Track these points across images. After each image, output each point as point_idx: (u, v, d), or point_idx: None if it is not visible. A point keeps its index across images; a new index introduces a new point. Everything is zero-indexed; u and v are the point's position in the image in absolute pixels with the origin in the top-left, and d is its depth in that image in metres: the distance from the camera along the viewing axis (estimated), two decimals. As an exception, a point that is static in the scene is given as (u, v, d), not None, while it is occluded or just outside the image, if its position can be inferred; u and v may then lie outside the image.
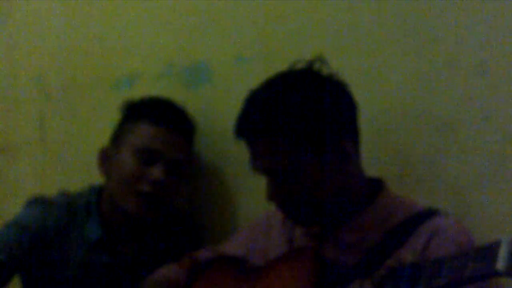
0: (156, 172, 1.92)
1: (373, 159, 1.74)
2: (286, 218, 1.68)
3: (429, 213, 1.56)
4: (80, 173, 2.33)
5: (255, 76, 1.70)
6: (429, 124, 1.74)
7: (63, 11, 2.41)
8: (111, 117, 2.13)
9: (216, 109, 2.09)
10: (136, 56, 2.26)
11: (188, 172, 2.02)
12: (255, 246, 1.75)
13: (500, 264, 1.11)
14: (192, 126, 2.03)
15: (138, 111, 1.99)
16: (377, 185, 1.63)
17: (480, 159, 1.67)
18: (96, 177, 2.07)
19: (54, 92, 2.43)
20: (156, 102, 2.02)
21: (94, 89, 2.33)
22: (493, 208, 1.66)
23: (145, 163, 1.93)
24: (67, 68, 2.40)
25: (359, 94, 1.63)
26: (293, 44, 1.95)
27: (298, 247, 1.64)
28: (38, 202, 2.00)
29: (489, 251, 1.13)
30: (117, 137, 2.00)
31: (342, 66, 1.68)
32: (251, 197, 2.02)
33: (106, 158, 2.00)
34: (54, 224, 1.98)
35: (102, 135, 2.13)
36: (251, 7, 2.03)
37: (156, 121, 1.96)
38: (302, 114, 1.52)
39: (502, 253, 1.11)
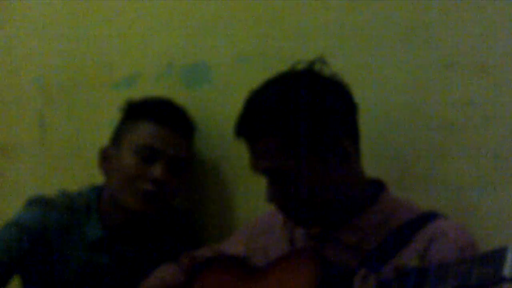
0: (157, 170, 1.92)
1: (373, 159, 1.74)
2: (286, 219, 1.67)
3: (430, 216, 1.56)
4: (80, 173, 2.33)
5: (255, 76, 1.70)
6: (429, 124, 1.74)
7: (63, 11, 2.40)
8: (111, 117, 2.13)
9: (216, 109, 2.09)
10: (136, 56, 2.26)
11: (188, 171, 2.02)
12: (255, 245, 1.75)
13: (507, 270, 1.11)
14: (192, 125, 2.04)
15: (139, 111, 2.00)
16: (377, 186, 1.63)
17: (480, 159, 1.67)
18: (96, 177, 2.07)
19: (54, 92, 2.42)
20: (156, 102, 2.02)
21: (94, 89, 2.33)
22: (493, 208, 1.66)
23: (146, 161, 1.94)
24: (67, 68, 2.40)
25: (359, 94, 1.63)
26: (293, 44, 1.95)
27: (298, 247, 1.64)
28: (38, 202, 2.00)
29: (496, 256, 1.13)
30: (118, 136, 2.01)
31: (342, 66, 1.68)
32: (251, 197, 2.02)
33: (106, 157, 2.01)
34: (54, 224, 1.98)
35: (102, 135, 2.13)
36: (251, 7, 2.03)
37: (156, 120, 1.96)
38: (303, 115, 1.52)
39: (509, 258, 1.11)
